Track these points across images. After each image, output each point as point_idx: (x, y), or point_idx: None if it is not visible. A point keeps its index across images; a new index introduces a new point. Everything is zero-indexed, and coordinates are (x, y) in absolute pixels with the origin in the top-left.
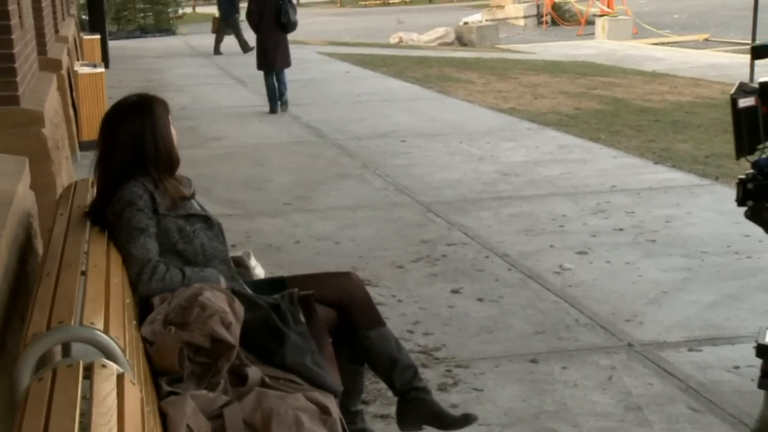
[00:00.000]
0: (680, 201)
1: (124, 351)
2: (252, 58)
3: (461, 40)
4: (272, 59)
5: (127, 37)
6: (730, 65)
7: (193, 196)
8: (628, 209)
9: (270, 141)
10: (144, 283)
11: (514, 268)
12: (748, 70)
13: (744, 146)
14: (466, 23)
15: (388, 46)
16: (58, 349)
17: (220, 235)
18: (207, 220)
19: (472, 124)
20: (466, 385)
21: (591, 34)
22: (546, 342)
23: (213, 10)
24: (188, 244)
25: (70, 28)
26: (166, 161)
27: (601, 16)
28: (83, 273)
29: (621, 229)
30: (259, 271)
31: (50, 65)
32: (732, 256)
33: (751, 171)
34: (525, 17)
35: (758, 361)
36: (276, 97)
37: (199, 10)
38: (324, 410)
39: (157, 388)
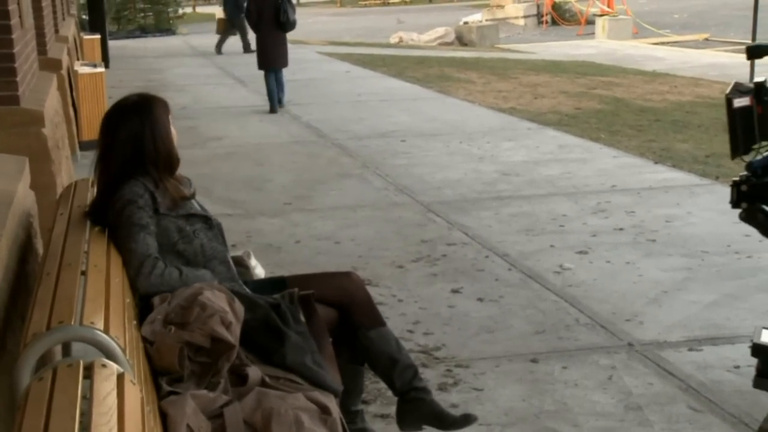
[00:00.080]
0: (680, 201)
1: (124, 351)
2: (252, 58)
3: (461, 40)
4: (271, 58)
5: (128, 37)
6: (730, 65)
7: (193, 196)
8: (628, 209)
9: (270, 141)
10: (144, 277)
11: (514, 267)
12: (748, 69)
13: (739, 146)
14: (466, 23)
15: (388, 45)
16: (59, 349)
17: (219, 235)
18: (207, 220)
19: (473, 124)
20: (466, 384)
21: (591, 34)
22: (546, 342)
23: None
24: (188, 245)
25: (70, 28)
26: (166, 161)
27: (602, 15)
28: (83, 273)
29: (621, 229)
30: (260, 271)
31: (50, 65)
32: (732, 256)
33: (745, 173)
34: (525, 17)
35: None
36: (276, 97)
37: (200, 10)
38: (324, 410)
39: (157, 388)
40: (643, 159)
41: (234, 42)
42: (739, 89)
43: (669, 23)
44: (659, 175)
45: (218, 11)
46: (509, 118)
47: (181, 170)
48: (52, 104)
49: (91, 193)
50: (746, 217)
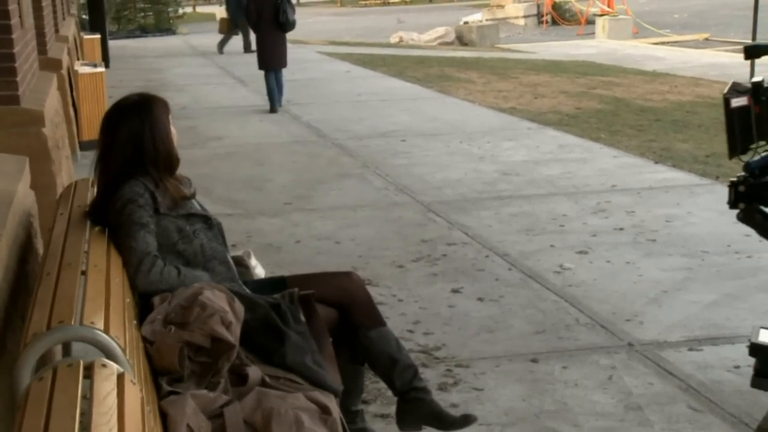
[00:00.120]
0: (680, 200)
1: (124, 350)
2: (252, 57)
3: (461, 40)
4: (271, 58)
5: (128, 37)
6: (730, 65)
7: (193, 195)
8: (628, 209)
9: (270, 140)
10: (143, 274)
11: (514, 267)
12: (748, 69)
13: (737, 146)
14: (466, 23)
15: (389, 45)
16: (59, 349)
17: (220, 235)
18: (207, 220)
19: (473, 124)
20: (467, 384)
21: (591, 34)
22: (546, 342)
23: (213, 9)
24: (188, 245)
25: (70, 28)
26: (166, 161)
27: (602, 15)
28: (83, 273)
29: (621, 229)
30: (260, 271)
31: (50, 65)
32: (732, 256)
33: (743, 174)
34: (525, 17)
35: None
36: (276, 97)
37: (200, 9)
38: (324, 410)
39: (157, 388)
40: (644, 159)
41: (235, 42)
42: (736, 89)
43: (669, 23)
44: (659, 174)
45: (218, 11)
46: (509, 118)
47: (181, 170)
48: (52, 104)
49: (91, 193)
50: (744, 218)
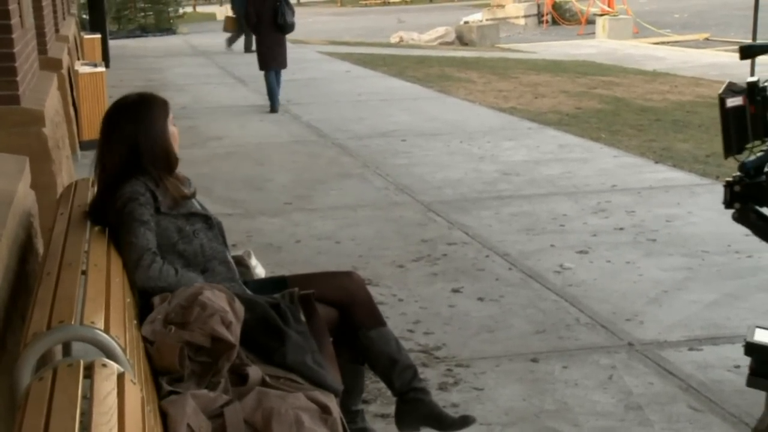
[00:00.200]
0: (681, 200)
1: (124, 350)
2: (252, 57)
3: (462, 40)
4: (270, 59)
5: (128, 37)
6: (730, 65)
7: (193, 195)
8: (628, 208)
9: (270, 140)
10: (142, 270)
11: (514, 267)
12: (748, 69)
13: (732, 146)
14: (466, 22)
15: (389, 45)
16: (59, 349)
17: (220, 234)
18: (207, 219)
19: (473, 124)
20: (467, 384)
21: (591, 34)
22: (546, 341)
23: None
24: (188, 245)
25: (70, 28)
26: (164, 160)
27: (602, 15)
28: (84, 272)
29: (621, 229)
30: (260, 271)
31: (51, 64)
32: (732, 256)
33: (738, 174)
34: (525, 16)
35: None
36: (277, 96)
37: (200, 9)
38: (325, 409)
39: (157, 388)
40: (644, 159)
41: (238, 41)
42: (732, 89)
43: (669, 23)
44: (660, 174)
45: (218, 11)
46: (510, 118)
47: (181, 170)
48: (52, 104)
49: (92, 192)
50: (739, 218)
